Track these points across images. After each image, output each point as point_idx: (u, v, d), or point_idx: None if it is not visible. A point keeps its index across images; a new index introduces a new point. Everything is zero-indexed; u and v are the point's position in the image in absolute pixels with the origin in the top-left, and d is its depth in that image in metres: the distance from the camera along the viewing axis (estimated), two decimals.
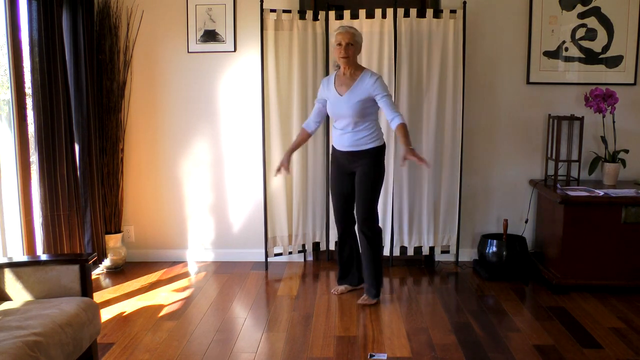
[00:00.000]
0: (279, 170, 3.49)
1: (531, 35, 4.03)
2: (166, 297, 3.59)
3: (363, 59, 3.86)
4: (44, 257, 2.87)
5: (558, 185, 3.79)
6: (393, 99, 3.85)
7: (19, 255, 3.19)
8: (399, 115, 3.22)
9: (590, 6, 3.99)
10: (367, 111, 3.27)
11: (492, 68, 4.10)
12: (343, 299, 3.52)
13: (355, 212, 3.46)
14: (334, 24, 3.96)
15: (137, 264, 4.29)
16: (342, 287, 3.63)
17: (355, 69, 3.31)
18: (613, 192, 3.59)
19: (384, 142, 3.41)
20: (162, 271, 4.11)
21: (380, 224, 3.90)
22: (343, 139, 3.35)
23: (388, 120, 3.27)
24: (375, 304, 3.41)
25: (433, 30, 3.94)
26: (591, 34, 4.02)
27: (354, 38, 3.24)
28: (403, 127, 3.19)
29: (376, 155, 3.34)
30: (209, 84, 4.18)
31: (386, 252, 4.15)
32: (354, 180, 3.40)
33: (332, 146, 3.51)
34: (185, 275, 4.03)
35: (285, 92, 4.02)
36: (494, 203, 4.22)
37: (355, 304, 3.42)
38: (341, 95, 3.29)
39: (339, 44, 3.23)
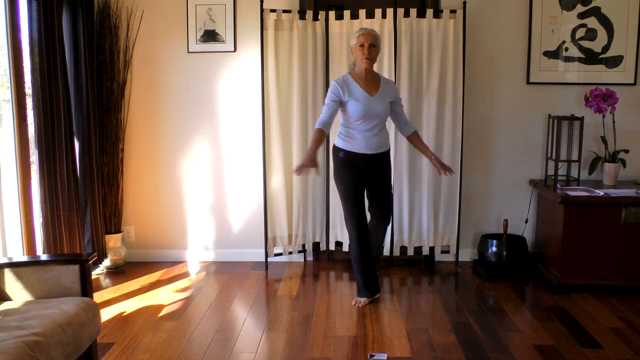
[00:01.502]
0: (300, 170, 3.15)
1: (531, 35, 4.03)
2: (166, 297, 3.59)
3: None
4: (44, 257, 2.87)
5: (558, 185, 3.79)
6: None
7: (19, 255, 3.19)
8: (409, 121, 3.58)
9: (590, 6, 3.99)
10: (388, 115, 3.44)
11: (492, 68, 4.10)
12: (343, 298, 3.52)
13: (376, 207, 3.55)
14: (334, 24, 3.96)
15: (137, 264, 4.29)
16: (364, 299, 3.41)
17: (373, 72, 3.38)
18: (613, 192, 3.59)
19: None
20: (162, 271, 4.11)
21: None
22: (372, 142, 3.34)
23: (401, 125, 3.51)
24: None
25: (433, 30, 3.94)
26: (591, 34, 4.02)
27: (376, 40, 3.29)
28: (418, 133, 3.57)
29: (389, 155, 3.56)
30: (209, 84, 4.18)
31: (386, 252, 4.15)
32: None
33: (348, 151, 3.34)
34: (185, 275, 4.03)
35: (285, 92, 4.02)
36: (494, 203, 4.22)
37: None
38: (372, 96, 3.30)
39: (362, 45, 3.24)
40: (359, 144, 3.34)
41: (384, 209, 3.54)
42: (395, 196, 4.07)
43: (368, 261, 3.40)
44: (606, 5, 3.98)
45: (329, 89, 3.32)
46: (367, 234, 3.39)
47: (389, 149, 3.53)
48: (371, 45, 3.25)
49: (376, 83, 3.37)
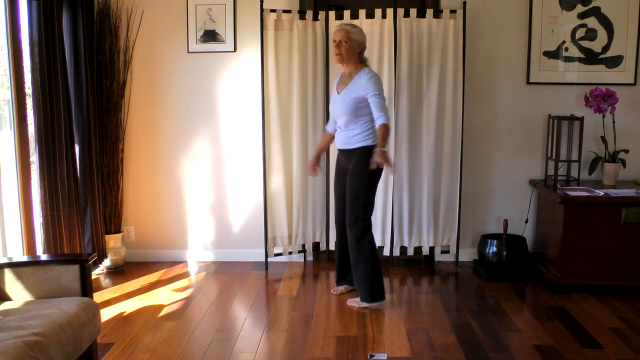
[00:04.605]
0: (313, 170, 3.58)
1: (531, 35, 4.03)
2: (166, 297, 3.59)
3: None
4: (44, 257, 2.87)
5: (558, 185, 3.78)
6: (393, 99, 3.90)
7: (19, 255, 3.19)
8: (383, 115, 3.13)
9: (590, 6, 3.99)
10: (361, 111, 3.22)
11: (492, 68, 4.10)
12: (343, 299, 3.52)
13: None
14: (334, 24, 3.95)
15: (137, 264, 4.29)
16: (341, 288, 3.61)
17: (354, 68, 3.28)
18: (613, 192, 3.59)
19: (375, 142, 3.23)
20: (162, 271, 4.11)
21: (374, 227, 3.65)
22: (339, 137, 3.38)
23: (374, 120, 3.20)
24: (366, 309, 3.33)
25: (433, 30, 3.94)
26: (591, 34, 4.02)
27: (349, 35, 3.21)
28: (383, 128, 3.12)
29: (365, 154, 3.22)
30: (209, 84, 4.18)
31: (386, 252, 4.16)
32: None
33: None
34: (185, 275, 4.03)
35: (285, 92, 4.02)
36: (494, 203, 4.22)
37: None
38: (339, 94, 3.34)
39: (334, 41, 3.27)
40: (336, 139, 3.46)
41: (347, 211, 3.33)
42: (395, 196, 4.07)
43: (342, 251, 3.55)
44: (606, 5, 3.98)
45: None
46: (343, 225, 3.42)
47: (359, 148, 3.26)
48: (341, 42, 3.21)
49: (350, 80, 3.29)
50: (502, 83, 4.11)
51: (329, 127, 3.57)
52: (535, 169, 4.18)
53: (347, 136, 3.30)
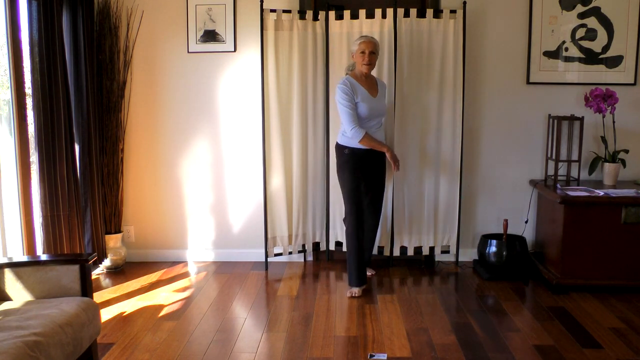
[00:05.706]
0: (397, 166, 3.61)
1: (531, 35, 4.03)
2: (166, 297, 3.59)
3: None
4: (44, 257, 2.87)
5: (558, 185, 3.79)
6: (393, 99, 3.93)
7: (19, 255, 3.19)
8: None
9: (590, 6, 3.99)
10: None
11: (492, 68, 4.10)
12: (343, 298, 3.52)
13: (369, 199, 3.72)
14: (334, 24, 3.96)
15: (137, 264, 4.29)
16: (358, 289, 3.56)
17: (370, 74, 3.62)
18: (613, 192, 3.59)
19: None
20: (162, 271, 4.11)
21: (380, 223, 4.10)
22: (375, 137, 3.56)
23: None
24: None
25: (433, 30, 3.94)
26: (591, 34, 4.02)
27: (376, 47, 3.53)
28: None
29: None
30: (209, 84, 4.18)
31: (386, 252, 4.16)
32: None
33: (352, 147, 3.51)
34: (185, 275, 4.03)
35: (285, 92, 4.02)
36: (494, 203, 4.22)
37: (355, 304, 3.42)
38: (375, 97, 3.55)
39: (363, 52, 3.48)
40: None
41: (377, 201, 3.78)
42: (395, 196, 4.07)
43: (363, 253, 3.63)
44: (606, 5, 3.98)
45: (342, 94, 3.46)
46: (364, 227, 3.63)
47: None
48: (371, 53, 3.49)
49: (374, 85, 3.60)
50: (502, 83, 4.11)
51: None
52: (535, 169, 4.18)
53: (380, 135, 3.65)
